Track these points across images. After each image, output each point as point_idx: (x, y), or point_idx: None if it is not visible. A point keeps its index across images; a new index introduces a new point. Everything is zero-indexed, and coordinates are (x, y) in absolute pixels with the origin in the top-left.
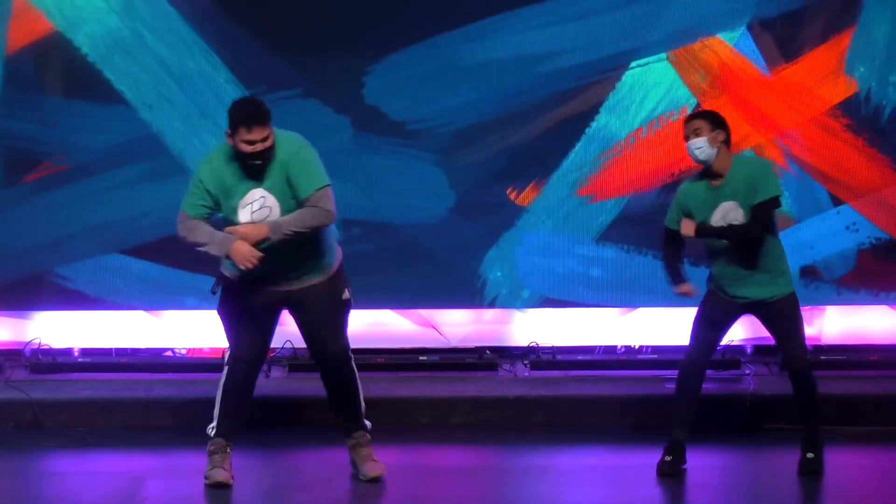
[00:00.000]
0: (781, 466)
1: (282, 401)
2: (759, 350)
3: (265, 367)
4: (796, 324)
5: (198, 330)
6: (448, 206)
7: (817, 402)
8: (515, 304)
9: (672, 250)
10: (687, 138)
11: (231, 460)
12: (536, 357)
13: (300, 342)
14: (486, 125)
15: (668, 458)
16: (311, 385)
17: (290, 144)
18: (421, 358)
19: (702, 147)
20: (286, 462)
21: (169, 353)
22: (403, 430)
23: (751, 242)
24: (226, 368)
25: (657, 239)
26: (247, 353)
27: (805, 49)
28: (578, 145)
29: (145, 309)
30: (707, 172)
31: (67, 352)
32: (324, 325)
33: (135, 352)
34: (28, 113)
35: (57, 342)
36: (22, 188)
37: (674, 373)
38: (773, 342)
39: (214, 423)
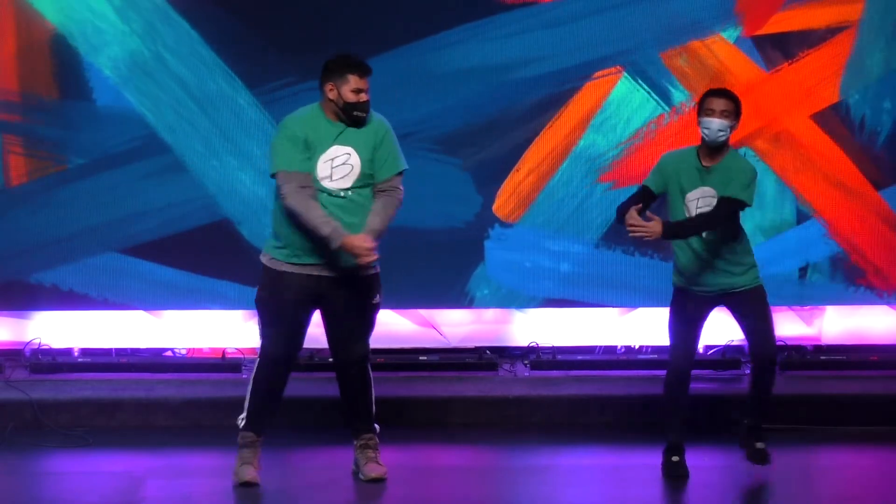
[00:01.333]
0: (781, 466)
1: (288, 401)
2: None
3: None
4: (766, 314)
5: (198, 330)
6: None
7: (768, 396)
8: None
9: (634, 203)
10: (708, 113)
11: (260, 455)
12: (536, 357)
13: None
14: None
15: (674, 459)
16: (312, 385)
17: (382, 121)
18: (421, 358)
19: (724, 131)
20: (286, 462)
21: (169, 353)
22: (403, 430)
23: (716, 227)
24: (257, 361)
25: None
26: (281, 349)
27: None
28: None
29: (145, 309)
30: (703, 151)
31: (67, 352)
32: (355, 325)
33: (135, 352)
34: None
35: (57, 342)
36: (25, 187)
37: None
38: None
39: (244, 415)
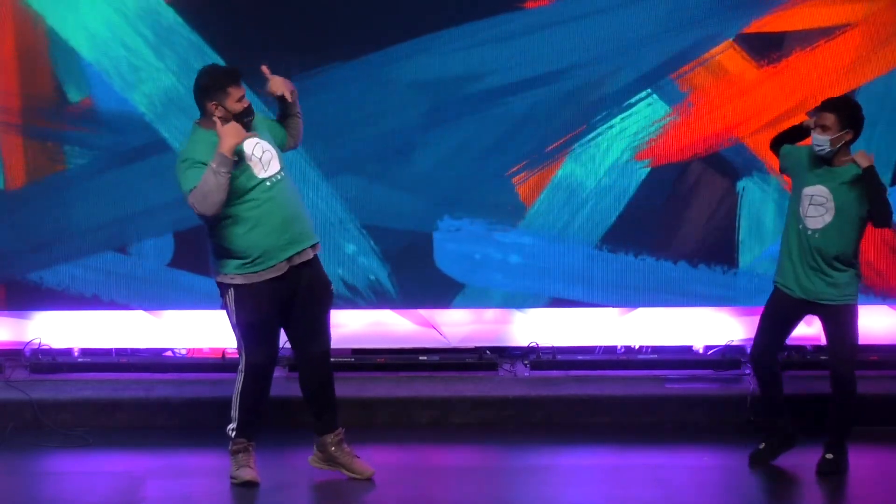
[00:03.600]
0: (781, 466)
1: (282, 401)
2: None
3: None
4: (847, 330)
5: (198, 330)
6: None
7: (853, 409)
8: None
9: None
10: (814, 126)
11: (254, 457)
12: (536, 357)
13: None
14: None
15: (761, 447)
16: None
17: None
18: (421, 358)
19: (822, 146)
20: (286, 462)
21: (169, 353)
22: (403, 430)
23: (879, 210)
24: (241, 376)
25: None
26: (263, 358)
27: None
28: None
29: (145, 309)
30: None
31: (67, 352)
32: (318, 317)
33: (135, 352)
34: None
35: (57, 342)
36: (24, 189)
37: (674, 372)
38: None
39: (234, 425)
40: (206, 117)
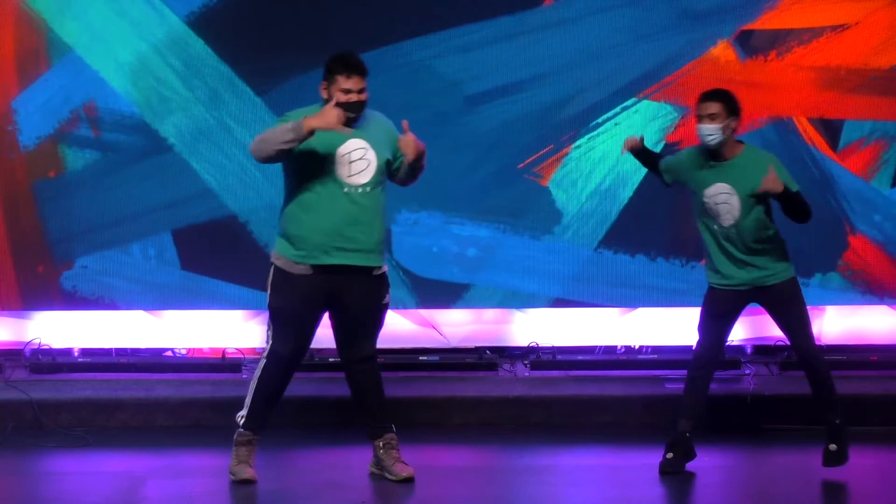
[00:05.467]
0: (782, 466)
1: (282, 401)
2: (759, 350)
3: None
4: (801, 307)
5: (198, 330)
6: None
7: (834, 388)
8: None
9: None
10: (700, 119)
11: (255, 454)
12: (536, 357)
13: None
14: None
15: (669, 456)
16: (312, 385)
17: (380, 114)
18: (421, 358)
19: (714, 135)
20: (286, 462)
21: (169, 353)
22: (403, 430)
23: (800, 213)
24: (264, 362)
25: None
26: (290, 350)
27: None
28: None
29: (145, 309)
30: (709, 151)
31: (67, 352)
32: (364, 324)
33: (135, 352)
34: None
35: (57, 342)
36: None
37: (674, 372)
38: (772, 342)
39: (245, 413)
40: (323, 100)
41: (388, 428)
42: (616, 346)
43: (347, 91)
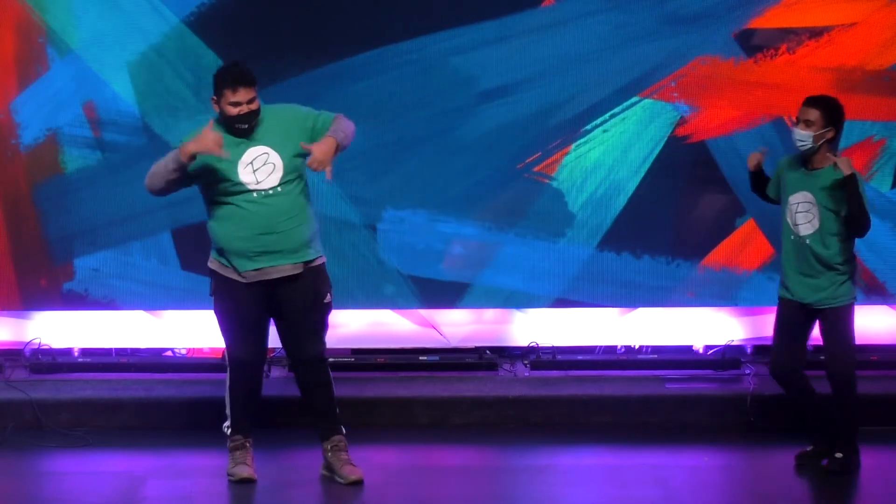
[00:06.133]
0: (782, 466)
1: (282, 401)
2: (759, 350)
3: (265, 367)
4: (847, 332)
5: (198, 330)
6: None
7: (855, 418)
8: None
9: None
10: (797, 122)
11: (252, 455)
12: (536, 357)
13: None
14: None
15: (808, 449)
16: None
17: (283, 107)
18: (421, 358)
19: (805, 141)
20: (286, 462)
21: (169, 353)
22: (403, 430)
23: (856, 219)
24: (228, 369)
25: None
26: (244, 353)
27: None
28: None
29: (145, 309)
30: (803, 157)
31: (67, 352)
32: (305, 326)
33: (135, 352)
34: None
35: (57, 342)
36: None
37: (674, 372)
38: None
39: (229, 422)
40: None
41: (337, 430)
42: (616, 346)
43: (236, 104)
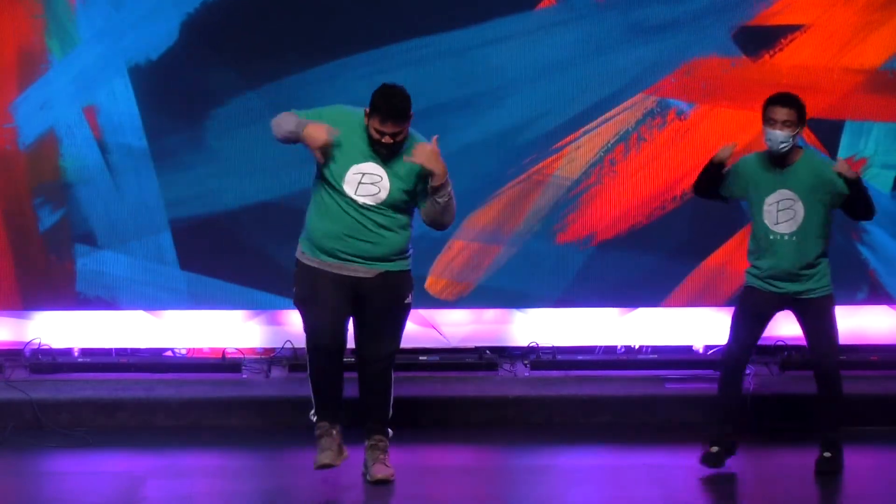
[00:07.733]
0: (782, 466)
1: (282, 401)
2: (759, 350)
3: (265, 367)
4: (830, 323)
5: (198, 330)
6: None
7: (841, 403)
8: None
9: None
10: (770, 123)
11: (339, 441)
12: (536, 357)
13: (300, 342)
14: None
15: (714, 450)
16: None
17: (424, 145)
18: (421, 358)
19: (786, 142)
20: (286, 462)
21: (169, 353)
22: (403, 430)
23: (866, 211)
24: (308, 360)
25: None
26: (324, 339)
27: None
28: None
29: (145, 309)
30: (772, 156)
31: (67, 352)
32: (384, 323)
33: (135, 352)
34: None
35: (57, 342)
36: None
37: (674, 372)
38: (772, 342)
39: (314, 410)
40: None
41: (381, 431)
42: (616, 346)
43: (380, 133)
